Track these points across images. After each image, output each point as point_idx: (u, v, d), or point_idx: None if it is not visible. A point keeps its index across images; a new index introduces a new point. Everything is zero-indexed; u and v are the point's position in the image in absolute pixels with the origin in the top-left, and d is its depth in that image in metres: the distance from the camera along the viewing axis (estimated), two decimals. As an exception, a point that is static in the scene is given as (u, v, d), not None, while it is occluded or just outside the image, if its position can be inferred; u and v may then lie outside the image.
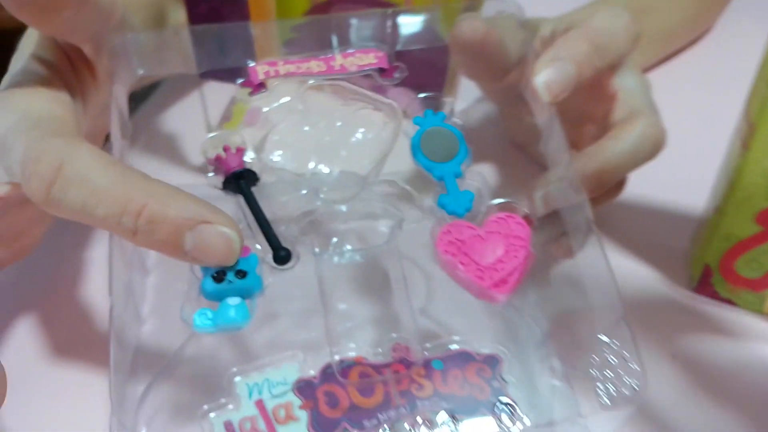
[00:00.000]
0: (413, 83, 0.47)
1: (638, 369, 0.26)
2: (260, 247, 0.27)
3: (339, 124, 0.32)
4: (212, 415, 0.26)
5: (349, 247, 0.30)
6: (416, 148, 0.30)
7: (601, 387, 0.26)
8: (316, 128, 0.32)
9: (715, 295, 0.35)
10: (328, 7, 0.45)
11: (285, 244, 0.27)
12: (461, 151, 0.30)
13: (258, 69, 0.29)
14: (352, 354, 0.28)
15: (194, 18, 0.40)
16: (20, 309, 0.32)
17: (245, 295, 0.25)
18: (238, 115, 0.42)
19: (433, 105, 0.31)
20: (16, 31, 0.30)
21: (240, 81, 0.29)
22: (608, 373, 0.26)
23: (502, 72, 0.34)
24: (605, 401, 0.26)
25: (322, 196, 0.30)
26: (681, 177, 0.41)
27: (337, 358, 0.27)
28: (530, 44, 0.33)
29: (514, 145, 0.42)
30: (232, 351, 0.30)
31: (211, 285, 0.25)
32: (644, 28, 0.43)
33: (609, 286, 0.27)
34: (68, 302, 0.33)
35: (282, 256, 0.27)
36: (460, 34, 0.32)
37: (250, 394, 0.26)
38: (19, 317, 0.32)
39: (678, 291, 0.36)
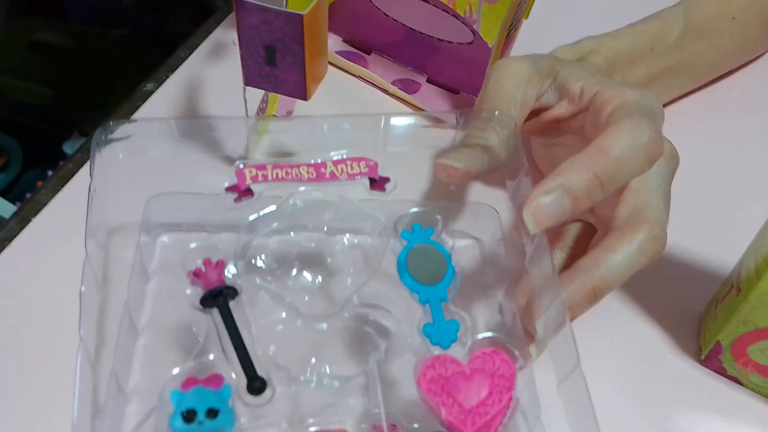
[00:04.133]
0: (451, 82, 0.48)
1: None
2: (234, 376, 0.26)
3: (325, 229, 0.31)
4: None
5: (327, 371, 0.30)
6: (402, 267, 0.29)
7: None
8: (301, 234, 0.31)
9: (722, 371, 0.35)
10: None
11: (261, 370, 0.27)
12: (448, 274, 0.29)
13: (246, 172, 0.29)
14: (335, 426, 0.27)
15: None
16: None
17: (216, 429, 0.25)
18: (272, 104, 0.42)
19: (424, 219, 0.30)
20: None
21: (226, 185, 0.29)
22: None
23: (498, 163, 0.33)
24: None
25: (301, 313, 0.29)
26: (713, 229, 0.41)
27: (314, 429, 0.27)
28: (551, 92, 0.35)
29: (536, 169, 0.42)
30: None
31: (180, 425, 0.24)
32: (697, 50, 0.45)
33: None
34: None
35: (257, 387, 0.26)
36: (441, 178, 0.31)
37: None
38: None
39: (684, 359, 0.36)
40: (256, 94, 0.40)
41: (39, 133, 1.09)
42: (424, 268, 0.29)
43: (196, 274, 0.28)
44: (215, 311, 0.28)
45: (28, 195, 1.03)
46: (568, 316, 0.28)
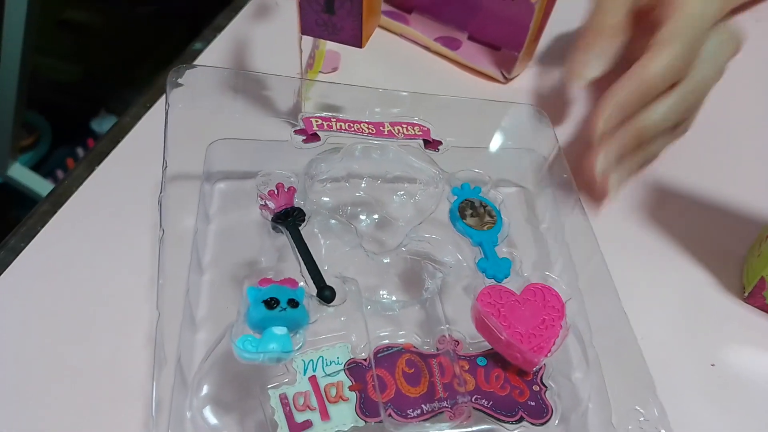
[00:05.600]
0: (492, 39, 0.51)
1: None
2: (304, 284, 0.29)
3: (379, 182, 0.35)
4: (269, 387, 0.28)
5: (390, 296, 0.32)
6: (455, 215, 0.33)
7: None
8: (359, 182, 0.35)
9: (765, 307, 0.38)
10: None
11: (330, 282, 0.29)
12: (498, 223, 0.33)
13: (312, 121, 0.32)
14: (401, 341, 0.30)
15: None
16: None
17: (291, 326, 0.27)
18: (319, 59, 0.45)
19: (474, 180, 0.35)
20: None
21: (295, 129, 0.31)
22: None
23: None
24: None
25: (364, 246, 0.32)
26: (755, 177, 0.45)
27: (384, 342, 0.30)
28: None
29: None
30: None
31: (261, 311, 0.26)
32: None
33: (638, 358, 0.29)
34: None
35: (326, 295, 0.29)
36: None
37: (305, 370, 0.28)
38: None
39: (728, 297, 0.39)
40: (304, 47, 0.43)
41: (67, 111, 1.12)
42: (475, 217, 0.33)
43: (270, 194, 0.30)
44: (283, 237, 0.30)
45: (58, 171, 1.07)
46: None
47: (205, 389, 0.30)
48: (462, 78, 0.50)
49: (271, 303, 0.26)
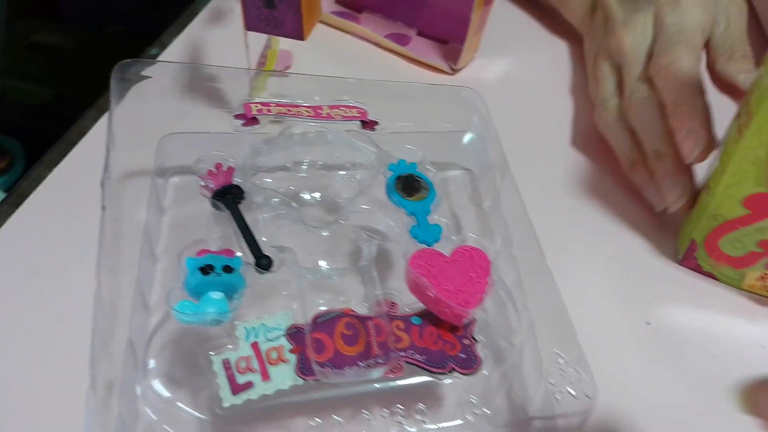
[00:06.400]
0: (440, 33, 0.54)
1: (590, 380, 0.30)
2: (242, 255, 0.31)
3: (321, 163, 0.38)
4: (212, 354, 0.29)
5: (330, 266, 0.35)
6: (391, 189, 0.35)
7: (558, 394, 0.31)
8: (298, 168, 0.37)
9: (698, 268, 0.40)
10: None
11: (267, 252, 0.31)
12: (431, 195, 0.35)
13: (252, 106, 0.34)
14: (341, 306, 0.32)
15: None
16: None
17: (227, 291, 0.29)
18: (271, 59, 0.47)
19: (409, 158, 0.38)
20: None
21: (235, 114, 0.34)
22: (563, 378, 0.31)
23: None
24: (562, 405, 0.30)
25: (304, 221, 0.34)
26: None
27: (322, 309, 0.31)
28: None
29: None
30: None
31: (197, 277, 0.28)
32: None
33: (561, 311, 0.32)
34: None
35: (263, 263, 0.31)
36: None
37: (247, 337, 0.30)
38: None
39: (663, 261, 0.41)
40: (256, 46, 0.45)
41: (40, 134, 1.14)
42: (409, 190, 0.35)
43: (209, 174, 0.33)
44: (227, 218, 0.32)
45: (32, 193, 1.08)
46: None
47: (152, 363, 0.31)
48: (411, 71, 0.53)
49: (206, 269, 0.29)
